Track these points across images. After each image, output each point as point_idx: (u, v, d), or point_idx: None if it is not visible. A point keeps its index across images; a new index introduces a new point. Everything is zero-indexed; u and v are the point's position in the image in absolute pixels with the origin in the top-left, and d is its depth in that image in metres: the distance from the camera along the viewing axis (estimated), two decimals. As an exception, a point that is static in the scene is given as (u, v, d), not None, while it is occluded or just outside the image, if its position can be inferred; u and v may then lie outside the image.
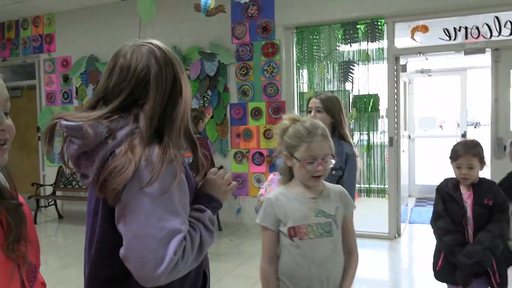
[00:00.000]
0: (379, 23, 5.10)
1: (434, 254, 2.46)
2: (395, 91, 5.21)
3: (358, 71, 5.27)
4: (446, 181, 2.43)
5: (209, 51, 5.78)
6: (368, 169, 5.27)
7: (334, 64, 5.35)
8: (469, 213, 2.28)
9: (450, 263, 2.31)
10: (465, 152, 2.27)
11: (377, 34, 5.12)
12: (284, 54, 5.50)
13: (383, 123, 5.29)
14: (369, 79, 5.24)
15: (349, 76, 5.31)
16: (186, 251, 1.10)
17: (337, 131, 2.56)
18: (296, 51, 5.52)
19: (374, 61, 5.20)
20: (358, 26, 5.18)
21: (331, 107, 2.56)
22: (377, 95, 5.26)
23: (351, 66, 5.29)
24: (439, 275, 2.40)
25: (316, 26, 5.34)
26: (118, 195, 1.08)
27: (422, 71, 7.66)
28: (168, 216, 1.07)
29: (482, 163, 2.30)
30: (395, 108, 5.22)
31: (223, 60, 5.71)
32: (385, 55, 5.15)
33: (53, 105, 6.91)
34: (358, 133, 5.32)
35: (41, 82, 7.06)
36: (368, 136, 5.28)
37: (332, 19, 5.22)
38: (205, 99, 5.86)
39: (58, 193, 6.84)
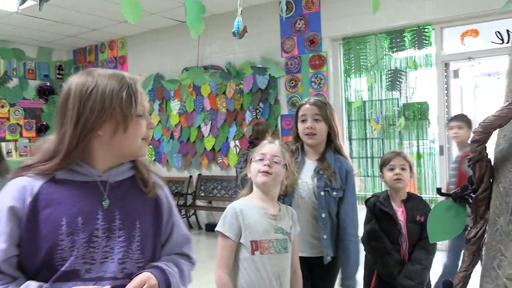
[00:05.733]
0: (426, 30, 5.02)
1: (366, 273, 2.32)
2: (446, 97, 5.08)
3: (406, 79, 5.23)
4: (377, 197, 2.30)
5: (260, 66, 6.06)
6: (419, 179, 5.16)
7: (382, 73, 5.35)
8: (404, 230, 2.19)
9: (384, 283, 2.20)
10: (396, 155, 2.31)
11: (424, 41, 5.04)
12: (331, 65, 5.60)
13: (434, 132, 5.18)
14: (417, 86, 5.17)
15: (397, 85, 5.27)
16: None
17: (333, 143, 2.15)
18: (343, 61, 5.60)
19: (422, 68, 5.12)
20: (404, 34, 5.14)
21: (328, 115, 2.12)
22: (426, 102, 5.16)
23: (398, 74, 5.26)
24: None
25: (362, 36, 5.39)
26: None
27: (489, 74, 7.28)
28: None
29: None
30: (446, 115, 5.08)
31: (274, 73, 5.94)
32: (434, 62, 5.06)
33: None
34: (408, 141, 5.26)
35: (116, 99, 7.79)
36: (418, 145, 5.19)
37: (378, 28, 5.24)
38: (258, 111, 6.13)
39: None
